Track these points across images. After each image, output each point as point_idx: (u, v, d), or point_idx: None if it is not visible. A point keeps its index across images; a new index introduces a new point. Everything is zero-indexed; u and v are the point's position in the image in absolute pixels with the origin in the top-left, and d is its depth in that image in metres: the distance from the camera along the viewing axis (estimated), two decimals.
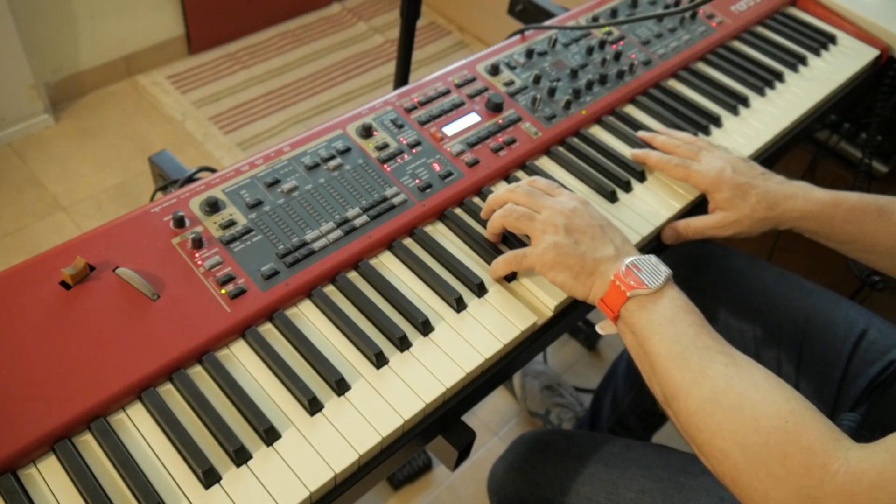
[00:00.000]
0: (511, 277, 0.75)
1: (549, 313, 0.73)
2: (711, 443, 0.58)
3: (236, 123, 2.11)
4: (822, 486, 0.51)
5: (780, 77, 1.07)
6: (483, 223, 0.79)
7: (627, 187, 0.87)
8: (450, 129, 0.86)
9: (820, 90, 1.06)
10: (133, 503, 0.55)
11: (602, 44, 1.03)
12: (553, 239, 0.69)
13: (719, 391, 0.58)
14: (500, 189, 0.77)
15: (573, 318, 0.77)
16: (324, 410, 0.62)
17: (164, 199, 0.74)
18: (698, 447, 0.60)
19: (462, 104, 0.89)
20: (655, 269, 0.65)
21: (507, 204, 0.74)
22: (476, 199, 0.82)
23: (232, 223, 0.72)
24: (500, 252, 0.76)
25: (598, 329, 0.71)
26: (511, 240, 0.77)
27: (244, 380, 0.63)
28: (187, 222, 0.71)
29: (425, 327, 0.69)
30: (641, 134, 0.92)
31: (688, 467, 0.83)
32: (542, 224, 0.71)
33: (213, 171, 0.80)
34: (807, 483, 0.52)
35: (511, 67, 0.96)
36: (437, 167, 0.82)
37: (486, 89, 0.92)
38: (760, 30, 1.16)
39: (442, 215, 0.80)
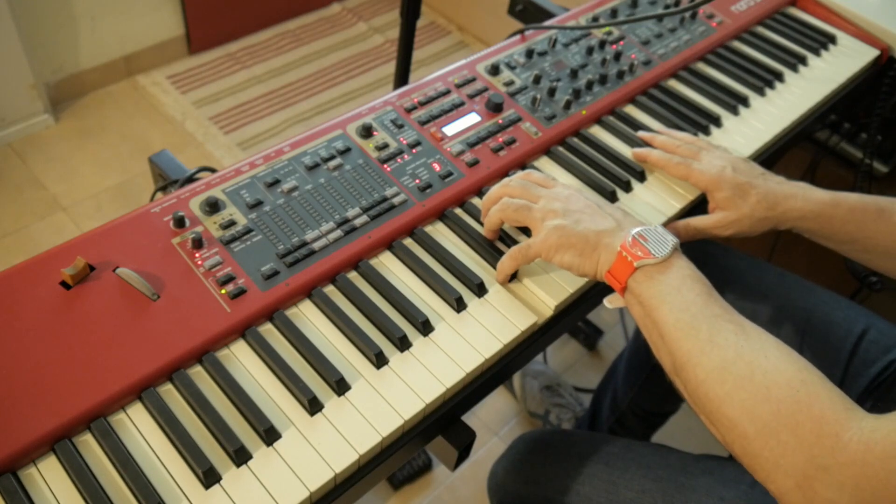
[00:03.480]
0: (511, 277, 0.75)
1: (549, 313, 0.73)
2: (720, 411, 0.57)
3: (236, 123, 2.11)
4: (833, 455, 0.51)
5: (780, 77, 1.07)
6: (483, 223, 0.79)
7: (627, 187, 0.87)
8: (450, 129, 0.86)
9: (820, 90, 1.06)
10: (133, 503, 0.55)
11: (602, 44, 1.03)
12: (553, 223, 0.70)
13: (729, 360, 0.57)
14: (494, 186, 0.77)
15: (573, 318, 0.77)
16: (324, 410, 0.62)
17: (164, 199, 0.74)
18: (707, 416, 0.59)
19: (462, 104, 0.89)
20: (662, 239, 0.65)
21: (502, 198, 0.74)
22: (476, 200, 0.82)
23: (232, 223, 0.72)
24: (500, 252, 0.76)
25: (606, 302, 0.71)
26: (508, 239, 0.77)
27: (244, 380, 0.63)
28: (187, 222, 0.71)
29: (425, 327, 0.69)
30: (641, 134, 0.92)
31: (688, 467, 0.83)
32: (540, 212, 0.71)
33: (213, 171, 0.80)
34: (818, 452, 0.51)
35: (511, 67, 0.96)
36: (437, 167, 0.82)
37: (486, 89, 0.92)
38: (760, 30, 1.16)
39: (442, 215, 0.80)
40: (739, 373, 0.57)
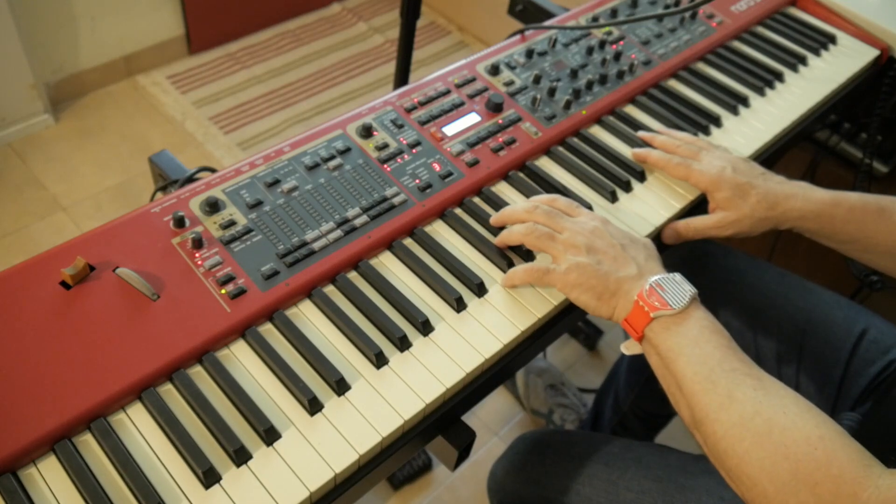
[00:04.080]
0: None
1: (549, 312, 0.73)
2: (739, 469, 0.57)
3: (236, 123, 2.11)
4: None
5: (780, 77, 1.07)
6: (485, 224, 0.79)
7: (627, 187, 0.87)
8: (450, 129, 0.86)
9: (820, 90, 1.06)
10: (133, 503, 0.55)
11: (602, 44, 1.03)
12: (575, 259, 0.69)
13: (747, 416, 0.57)
14: (518, 205, 0.76)
15: (573, 318, 0.77)
16: (324, 410, 0.62)
17: (164, 199, 0.74)
18: (727, 472, 0.59)
19: (462, 104, 0.89)
20: (680, 289, 0.65)
21: (528, 222, 0.74)
22: (476, 200, 0.82)
23: (232, 223, 0.72)
24: (502, 253, 0.76)
25: (623, 349, 0.71)
26: (515, 247, 0.77)
27: (244, 380, 0.63)
28: (187, 222, 0.71)
29: (425, 327, 0.69)
30: (641, 134, 0.92)
31: (688, 467, 0.83)
32: (563, 245, 0.71)
33: (213, 171, 0.80)
34: None
35: (511, 67, 0.96)
36: (437, 167, 0.82)
37: (486, 89, 0.92)
38: (760, 30, 1.16)
39: (442, 215, 0.80)
40: (758, 430, 0.56)
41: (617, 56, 1.01)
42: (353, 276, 0.73)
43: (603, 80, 0.97)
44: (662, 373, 0.65)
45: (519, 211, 0.76)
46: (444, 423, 0.68)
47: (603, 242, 0.71)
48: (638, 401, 1.26)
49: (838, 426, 0.56)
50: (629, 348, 0.70)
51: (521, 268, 0.73)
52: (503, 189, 0.84)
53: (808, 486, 0.53)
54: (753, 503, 0.57)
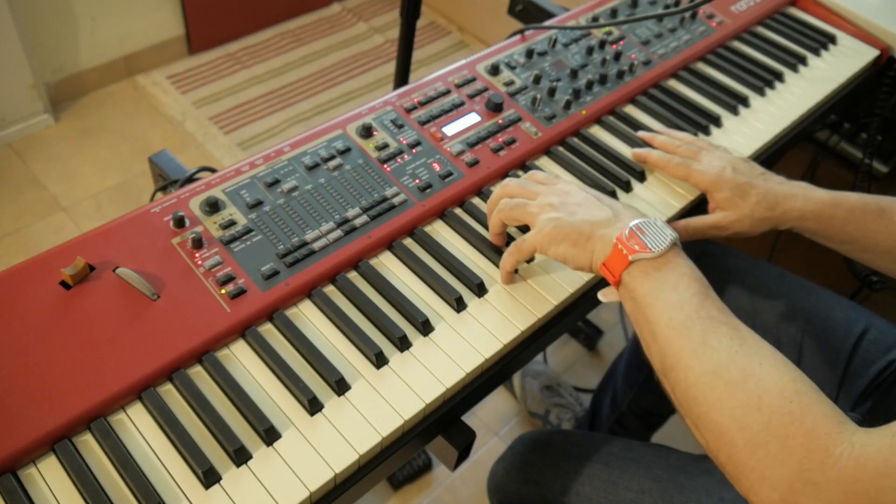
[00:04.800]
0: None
1: (549, 312, 0.73)
2: (708, 417, 0.55)
3: (236, 123, 2.11)
4: (823, 470, 0.49)
5: (780, 77, 1.07)
6: (484, 224, 0.79)
7: (627, 187, 0.87)
8: (450, 129, 0.86)
9: (820, 90, 1.06)
10: (133, 503, 0.55)
11: (602, 44, 1.03)
12: (549, 216, 0.69)
13: (721, 364, 0.56)
14: (495, 189, 0.76)
15: (573, 318, 0.77)
16: (324, 410, 0.62)
17: (164, 199, 0.74)
18: (693, 420, 0.57)
19: (462, 104, 0.89)
20: (661, 233, 0.63)
21: (502, 199, 0.73)
22: (476, 200, 0.82)
23: (232, 223, 0.72)
24: (501, 253, 0.76)
25: (600, 296, 0.70)
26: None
27: (244, 380, 0.63)
28: (187, 222, 0.71)
29: (425, 327, 0.69)
30: (641, 134, 0.92)
31: (688, 467, 0.83)
32: (537, 207, 0.70)
33: (213, 171, 0.80)
34: (807, 466, 0.50)
35: (511, 67, 0.96)
36: (437, 167, 0.82)
37: (486, 89, 0.92)
38: (760, 30, 1.16)
39: (442, 215, 0.80)
40: (732, 378, 0.55)
41: (617, 56, 1.01)
42: (353, 276, 0.73)
43: (603, 80, 0.97)
44: (637, 318, 0.63)
45: (495, 191, 0.75)
46: (444, 423, 0.68)
47: (577, 197, 0.70)
48: (636, 400, 1.26)
49: (813, 383, 0.54)
50: (606, 295, 0.69)
51: (504, 254, 0.73)
52: None
53: (779, 438, 0.51)
54: (719, 453, 0.55)
